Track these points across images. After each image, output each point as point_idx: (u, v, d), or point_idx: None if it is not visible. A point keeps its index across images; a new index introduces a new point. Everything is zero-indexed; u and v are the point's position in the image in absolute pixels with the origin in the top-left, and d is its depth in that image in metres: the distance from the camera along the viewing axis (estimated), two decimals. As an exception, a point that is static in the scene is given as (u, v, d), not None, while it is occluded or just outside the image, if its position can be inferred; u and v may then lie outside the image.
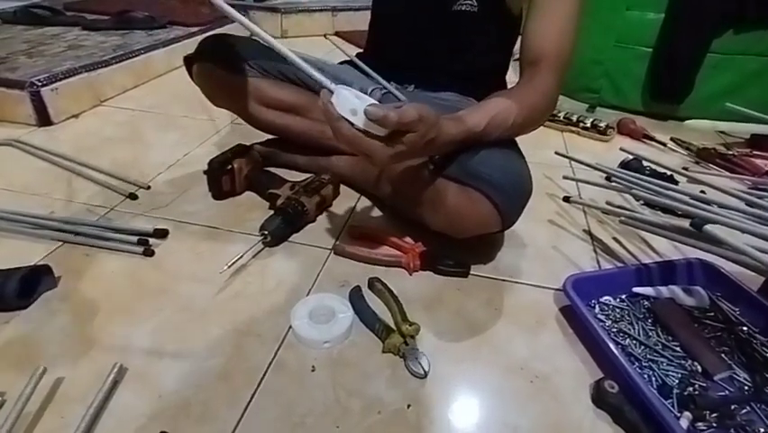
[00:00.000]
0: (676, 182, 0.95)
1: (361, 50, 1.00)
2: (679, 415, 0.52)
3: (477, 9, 0.78)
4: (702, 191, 0.83)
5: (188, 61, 0.89)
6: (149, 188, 0.93)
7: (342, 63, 1.00)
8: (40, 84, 1.16)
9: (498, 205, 0.66)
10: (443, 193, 0.69)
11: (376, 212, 0.90)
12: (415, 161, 0.73)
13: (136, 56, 1.48)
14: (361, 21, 2.25)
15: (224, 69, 0.86)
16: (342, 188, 0.95)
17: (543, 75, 0.70)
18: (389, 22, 0.92)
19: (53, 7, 1.75)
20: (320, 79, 0.56)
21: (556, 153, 1.03)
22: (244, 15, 2.17)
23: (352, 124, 0.54)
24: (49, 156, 1.02)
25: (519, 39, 0.77)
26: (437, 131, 0.58)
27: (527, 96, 0.69)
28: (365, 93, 0.80)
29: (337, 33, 2.27)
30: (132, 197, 0.89)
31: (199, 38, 0.90)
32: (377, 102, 0.55)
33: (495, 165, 0.68)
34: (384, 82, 0.88)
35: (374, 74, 0.88)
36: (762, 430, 0.52)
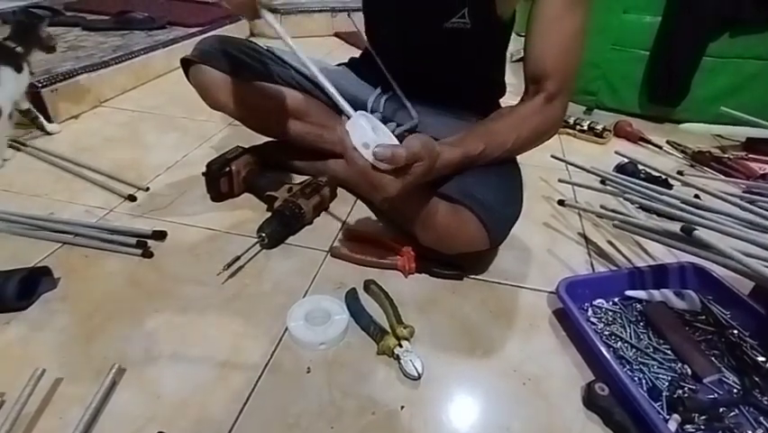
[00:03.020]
0: (670, 186, 0.96)
1: (361, 51, 1.01)
2: (668, 417, 0.53)
3: (470, 26, 0.75)
4: (696, 195, 0.84)
5: (186, 63, 0.90)
6: (148, 189, 0.94)
7: (340, 65, 1.01)
8: (39, 85, 1.17)
9: (487, 225, 0.66)
10: (433, 211, 0.69)
11: (372, 215, 0.91)
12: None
13: (136, 57, 1.49)
14: (361, 21, 2.26)
15: (221, 71, 0.87)
16: (339, 190, 0.96)
17: (546, 93, 0.69)
18: (382, 39, 0.91)
19: (53, 7, 1.75)
20: (341, 103, 0.58)
21: (552, 157, 1.03)
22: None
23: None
24: (48, 157, 1.03)
25: (522, 46, 0.76)
26: (437, 156, 0.60)
27: (529, 117, 0.70)
28: (368, 103, 0.79)
29: (336, 34, 2.28)
30: (131, 198, 0.90)
31: (199, 39, 0.91)
32: (390, 134, 0.57)
33: (487, 185, 0.68)
34: (393, 83, 0.88)
35: (387, 74, 0.89)
36: (749, 433, 0.53)
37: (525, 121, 0.69)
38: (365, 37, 0.94)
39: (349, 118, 0.56)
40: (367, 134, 0.54)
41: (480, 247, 0.70)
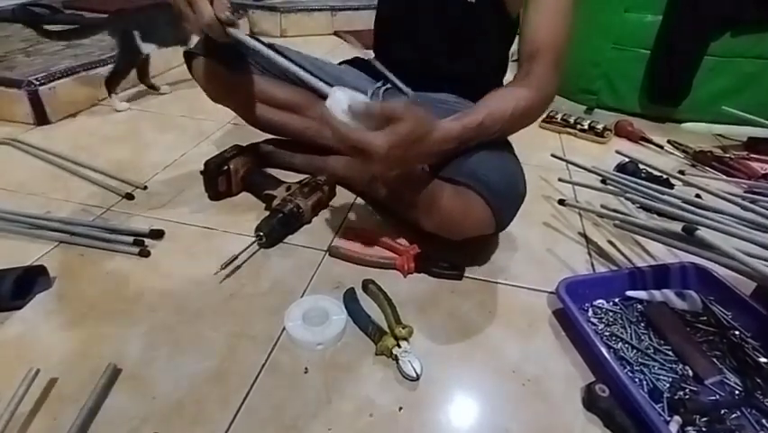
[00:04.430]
0: (672, 186, 0.96)
1: (368, 50, 1.01)
2: (669, 419, 0.53)
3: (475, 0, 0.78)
4: (698, 195, 0.83)
5: (188, 57, 0.89)
6: (145, 188, 0.93)
7: (341, 63, 1.00)
8: (37, 83, 1.16)
9: (493, 207, 0.66)
10: (438, 195, 0.69)
11: (371, 214, 0.90)
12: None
13: (134, 55, 1.47)
14: (361, 20, 2.26)
15: (224, 65, 0.87)
16: (338, 189, 0.95)
17: (539, 69, 0.71)
18: (391, 21, 0.92)
19: (51, 5, 1.75)
20: (317, 84, 0.58)
21: (552, 156, 1.03)
22: (244, 14, 2.18)
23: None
24: (46, 155, 1.02)
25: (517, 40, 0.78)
26: (431, 126, 0.59)
27: (523, 92, 0.70)
28: (365, 93, 0.81)
29: (336, 33, 2.27)
30: (129, 197, 0.89)
31: (198, 36, 0.90)
32: (368, 100, 0.56)
33: (491, 167, 0.68)
34: (396, 80, 0.88)
35: (387, 72, 0.88)
36: (751, 435, 0.52)
37: (520, 95, 0.69)
38: (362, 47, 0.95)
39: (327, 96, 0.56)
40: (343, 102, 0.54)
41: (486, 230, 0.69)
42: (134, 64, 1.34)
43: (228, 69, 0.87)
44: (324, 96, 0.57)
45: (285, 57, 0.64)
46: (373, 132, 0.54)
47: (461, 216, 0.68)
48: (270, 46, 0.91)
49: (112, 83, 1.28)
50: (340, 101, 0.55)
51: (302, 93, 0.92)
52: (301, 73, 0.61)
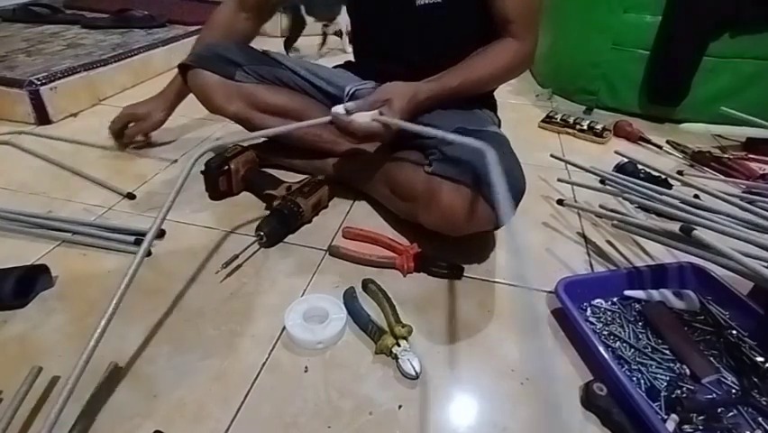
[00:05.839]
0: (670, 186, 0.96)
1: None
2: (666, 417, 0.53)
3: (441, 0, 0.79)
4: (696, 195, 0.84)
5: (183, 68, 0.90)
6: (146, 188, 0.93)
7: (336, 67, 1.00)
8: (38, 83, 1.17)
9: (491, 202, 0.66)
10: (437, 191, 0.69)
11: (371, 213, 0.91)
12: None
13: (135, 55, 1.48)
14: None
15: (220, 75, 0.87)
16: (338, 189, 0.95)
17: (514, 35, 0.78)
18: (362, 28, 0.93)
19: (52, 5, 1.75)
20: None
21: (552, 156, 1.03)
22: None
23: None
24: (47, 155, 1.02)
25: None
26: (411, 89, 0.74)
27: (500, 55, 0.79)
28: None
29: (335, 33, 2.27)
30: (130, 196, 0.90)
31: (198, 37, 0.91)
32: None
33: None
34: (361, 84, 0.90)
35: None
36: (747, 433, 0.52)
37: (496, 57, 0.79)
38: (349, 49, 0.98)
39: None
40: (341, 110, 0.74)
41: (485, 226, 0.70)
42: (300, 30, 1.74)
43: (224, 78, 0.87)
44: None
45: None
46: (374, 121, 0.72)
47: (461, 212, 0.68)
48: (265, 52, 0.92)
49: (287, 46, 1.72)
50: (338, 111, 0.74)
51: (299, 99, 0.92)
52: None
